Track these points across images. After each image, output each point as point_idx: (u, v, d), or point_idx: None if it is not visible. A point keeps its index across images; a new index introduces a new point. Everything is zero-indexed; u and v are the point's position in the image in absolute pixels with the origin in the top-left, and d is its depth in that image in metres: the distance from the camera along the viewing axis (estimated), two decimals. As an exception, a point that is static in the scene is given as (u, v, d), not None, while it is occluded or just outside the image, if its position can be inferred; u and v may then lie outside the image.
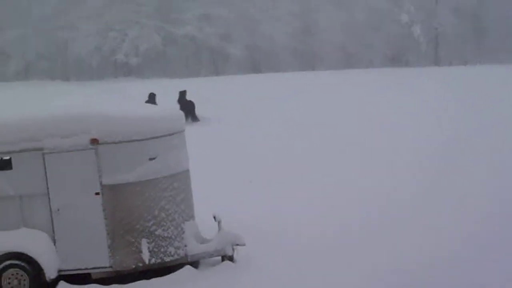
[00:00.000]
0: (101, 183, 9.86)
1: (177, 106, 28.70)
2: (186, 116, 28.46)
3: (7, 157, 10.01)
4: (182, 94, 29.96)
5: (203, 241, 10.79)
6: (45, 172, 9.84)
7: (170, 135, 10.36)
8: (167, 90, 34.13)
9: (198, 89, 36.87)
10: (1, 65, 59.14)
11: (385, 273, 9.82)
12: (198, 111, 29.27)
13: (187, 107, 28.11)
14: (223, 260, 10.62)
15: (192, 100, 29.50)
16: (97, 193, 9.87)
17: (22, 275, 9.77)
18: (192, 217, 10.82)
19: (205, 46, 63.98)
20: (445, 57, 61.67)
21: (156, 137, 10.11)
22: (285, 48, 62.58)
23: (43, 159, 9.81)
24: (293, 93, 35.51)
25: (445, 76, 41.35)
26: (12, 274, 9.79)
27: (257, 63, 64.48)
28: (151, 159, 10.05)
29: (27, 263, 9.72)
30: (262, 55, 64.33)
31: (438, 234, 11.47)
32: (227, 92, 36.93)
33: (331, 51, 61.85)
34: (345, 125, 25.02)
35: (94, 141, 9.77)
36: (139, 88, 36.64)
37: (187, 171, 10.86)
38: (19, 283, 9.79)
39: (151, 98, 30.15)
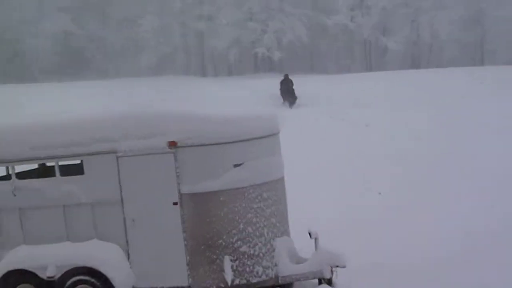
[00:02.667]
0: (179, 191, 9.88)
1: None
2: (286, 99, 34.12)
3: (79, 161, 10.36)
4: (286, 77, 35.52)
5: (298, 260, 10.59)
6: (119, 178, 10.02)
7: (259, 138, 10.22)
8: (311, 85, 35.06)
9: (347, 87, 37.09)
10: (134, 58, 62.05)
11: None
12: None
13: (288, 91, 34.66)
14: (320, 283, 10.39)
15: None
16: (175, 203, 9.93)
17: None
18: (285, 232, 10.64)
19: (358, 38, 63.96)
20: None
21: (243, 140, 10.01)
22: (451, 42, 61.38)
23: (117, 162, 10.03)
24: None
25: None
26: None
27: (416, 58, 63.45)
28: (236, 165, 9.99)
29: (98, 279, 9.89)
30: (421, 49, 63.25)
31: None
32: (375, 90, 36.46)
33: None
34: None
35: (172, 144, 9.86)
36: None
37: (281, 179, 10.68)
38: None
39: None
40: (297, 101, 34.34)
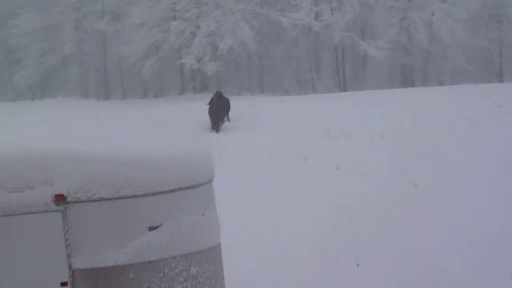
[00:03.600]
0: (70, 266, 9.80)
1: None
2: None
3: None
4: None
5: None
6: None
7: (185, 189, 10.24)
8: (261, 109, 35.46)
9: (311, 112, 37.45)
10: (7, 75, 61.61)
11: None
12: None
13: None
14: None
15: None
16: (63, 284, 9.85)
17: None
18: (223, 323, 10.70)
19: (327, 43, 64.80)
20: None
21: (161, 192, 10.00)
22: (456, 48, 62.67)
23: None
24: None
25: None
26: None
27: (407, 70, 64.48)
28: (152, 228, 9.99)
29: None
30: (415, 58, 64.34)
31: None
32: (351, 117, 36.92)
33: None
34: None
35: (60, 198, 9.80)
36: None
37: (216, 247, 10.70)
38: None
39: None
40: (232, 124, 35.56)
